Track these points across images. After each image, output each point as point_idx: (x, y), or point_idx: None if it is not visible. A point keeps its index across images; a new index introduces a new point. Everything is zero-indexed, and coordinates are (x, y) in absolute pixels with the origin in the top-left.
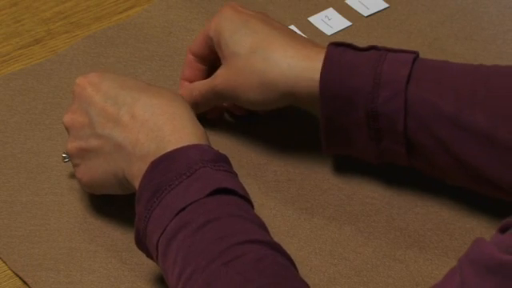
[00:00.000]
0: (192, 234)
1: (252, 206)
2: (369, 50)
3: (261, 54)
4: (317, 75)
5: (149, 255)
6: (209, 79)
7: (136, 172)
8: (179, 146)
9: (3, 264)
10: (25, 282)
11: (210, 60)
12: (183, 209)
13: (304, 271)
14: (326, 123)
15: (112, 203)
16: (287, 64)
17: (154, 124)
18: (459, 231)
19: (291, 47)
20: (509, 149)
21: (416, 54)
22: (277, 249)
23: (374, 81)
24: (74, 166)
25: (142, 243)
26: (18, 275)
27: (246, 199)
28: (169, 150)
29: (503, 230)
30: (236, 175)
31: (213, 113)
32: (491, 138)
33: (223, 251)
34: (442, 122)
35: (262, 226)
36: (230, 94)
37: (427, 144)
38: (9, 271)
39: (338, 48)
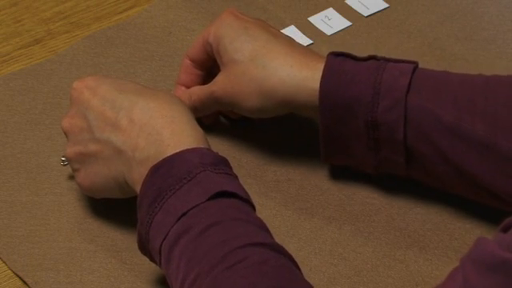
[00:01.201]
0: (194, 238)
1: (253, 208)
2: (368, 59)
3: (260, 61)
4: (316, 85)
5: (152, 260)
6: (208, 85)
7: (136, 176)
8: (178, 149)
9: (3, 264)
10: (25, 282)
11: (208, 66)
12: (185, 214)
13: (304, 271)
14: (325, 132)
15: (112, 203)
16: (286, 73)
17: (153, 128)
18: (459, 231)
19: (291, 56)
20: (508, 159)
21: (416, 64)
22: (279, 251)
23: (373, 90)
24: (74, 170)
25: (144, 248)
26: (17, 275)
27: (248, 201)
28: (168, 155)
29: (505, 229)
30: (236, 177)
31: (208, 118)
32: (490, 147)
33: (226, 255)
34: (442, 131)
35: (264, 228)
36: (229, 101)
37: (426, 153)
38: (9, 271)
39: (337, 58)
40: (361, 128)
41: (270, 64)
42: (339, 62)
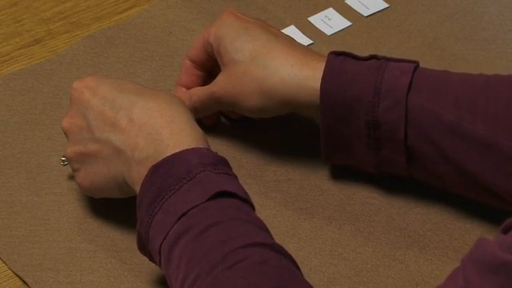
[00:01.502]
0: (194, 238)
1: (253, 208)
2: (369, 59)
3: (261, 61)
4: (317, 84)
5: (152, 260)
6: (208, 86)
7: (136, 176)
8: (178, 149)
9: (3, 264)
10: (25, 282)
11: (208, 66)
12: (185, 214)
13: (304, 271)
14: (326, 132)
15: (112, 203)
16: (287, 72)
17: (152, 127)
18: (459, 231)
19: (291, 56)
20: (509, 158)
21: (416, 64)
22: (279, 251)
23: (374, 90)
24: (74, 170)
25: (144, 248)
26: (17, 275)
27: (247, 201)
28: (168, 155)
29: (506, 231)
30: (236, 177)
31: (209, 119)
32: (491, 147)
33: (226, 255)
34: (443, 130)
35: (264, 229)
36: (230, 101)
37: (427, 153)
38: (9, 271)
39: (338, 57)
40: (361, 128)
41: (271, 64)
42: (340, 61)
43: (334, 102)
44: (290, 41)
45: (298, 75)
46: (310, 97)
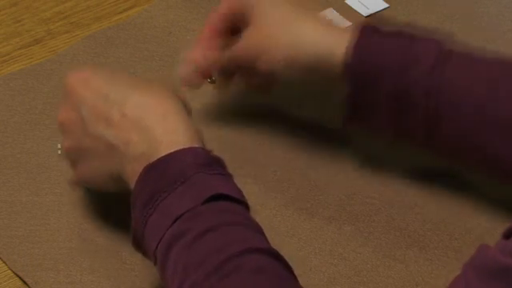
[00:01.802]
0: (190, 244)
1: (248, 209)
2: (399, 32)
3: (288, 26)
4: (343, 51)
5: (146, 256)
6: (235, 45)
7: (130, 172)
8: (171, 147)
9: (3, 264)
10: (25, 282)
11: (228, 35)
12: (179, 217)
13: (304, 271)
14: (351, 97)
15: (112, 203)
16: (316, 37)
17: (145, 123)
18: (459, 231)
19: (320, 23)
20: None
21: (448, 38)
22: (275, 256)
23: (403, 58)
24: (70, 164)
25: (139, 245)
26: (17, 275)
27: (242, 202)
28: (162, 153)
29: (507, 236)
30: (231, 176)
31: (224, 88)
32: None
33: (221, 263)
34: (469, 106)
35: (259, 231)
36: (254, 53)
37: (450, 127)
38: (9, 271)
39: (367, 27)
40: (386, 96)
41: (301, 27)
42: (369, 31)
43: (362, 69)
44: (316, 14)
45: (327, 41)
46: (338, 63)
